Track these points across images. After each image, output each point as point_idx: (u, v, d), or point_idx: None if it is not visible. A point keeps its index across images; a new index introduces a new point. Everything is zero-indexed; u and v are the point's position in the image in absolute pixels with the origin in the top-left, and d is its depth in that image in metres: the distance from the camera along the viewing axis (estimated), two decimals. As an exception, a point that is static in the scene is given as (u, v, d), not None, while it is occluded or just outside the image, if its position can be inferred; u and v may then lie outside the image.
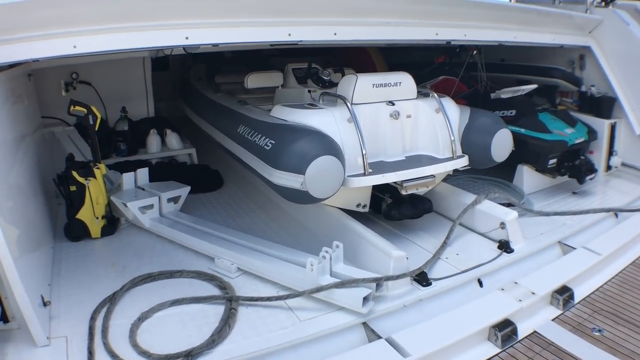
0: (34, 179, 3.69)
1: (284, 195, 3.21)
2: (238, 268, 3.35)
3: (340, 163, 3.11)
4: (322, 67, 4.84)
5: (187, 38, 3.01)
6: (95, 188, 3.85)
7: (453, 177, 4.83)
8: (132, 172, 4.26)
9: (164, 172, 5.00)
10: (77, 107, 3.82)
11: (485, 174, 4.99)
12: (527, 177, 4.76)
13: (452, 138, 3.75)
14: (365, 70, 4.17)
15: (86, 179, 3.79)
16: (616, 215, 4.33)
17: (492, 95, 4.96)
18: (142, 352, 2.56)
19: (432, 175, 3.60)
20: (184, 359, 2.51)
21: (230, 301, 2.96)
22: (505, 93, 4.84)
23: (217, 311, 2.91)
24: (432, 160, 3.72)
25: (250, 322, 2.82)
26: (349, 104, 3.45)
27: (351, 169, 3.33)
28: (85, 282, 3.27)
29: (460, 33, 4.02)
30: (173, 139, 5.60)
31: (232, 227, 4.01)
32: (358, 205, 3.76)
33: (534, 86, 4.98)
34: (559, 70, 5.38)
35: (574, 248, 3.73)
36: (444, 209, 4.18)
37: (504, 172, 4.91)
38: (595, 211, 4.26)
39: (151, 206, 4.04)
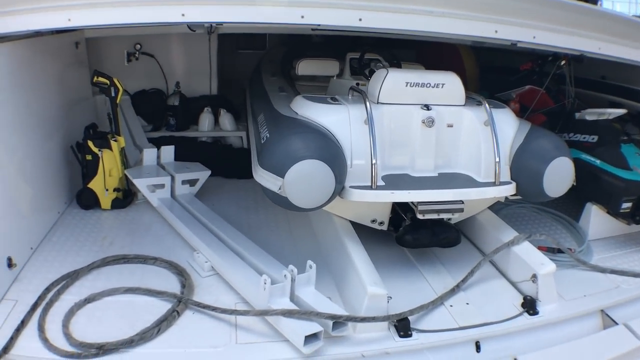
0: (66, 144, 3.78)
1: (268, 197, 2.80)
2: (212, 267, 3.06)
3: (331, 170, 2.61)
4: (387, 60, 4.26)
5: (69, 20, 2.68)
6: (109, 160, 3.80)
7: (515, 205, 4.10)
8: (155, 149, 4.17)
9: (204, 152, 4.90)
10: (100, 78, 3.81)
11: (552, 207, 4.09)
12: (596, 220, 3.78)
13: (497, 159, 3.05)
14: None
15: (99, 150, 3.75)
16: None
17: (577, 115, 4.04)
18: (65, 334, 2.42)
19: (459, 201, 2.96)
20: (96, 351, 2.31)
21: (179, 302, 2.69)
22: (590, 114, 3.90)
23: (163, 309, 2.65)
24: (468, 183, 3.06)
25: (184, 331, 2.52)
26: (367, 102, 2.94)
27: (360, 179, 2.84)
28: (69, 251, 3.24)
29: (527, 34, 3.18)
30: (226, 120, 5.42)
31: (242, 222, 3.71)
32: (373, 222, 3.23)
33: (623, 111, 3.94)
34: None
35: (616, 323, 2.87)
36: (480, 242, 3.47)
37: (575, 207, 4.00)
38: None
39: (162, 186, 3.91)
